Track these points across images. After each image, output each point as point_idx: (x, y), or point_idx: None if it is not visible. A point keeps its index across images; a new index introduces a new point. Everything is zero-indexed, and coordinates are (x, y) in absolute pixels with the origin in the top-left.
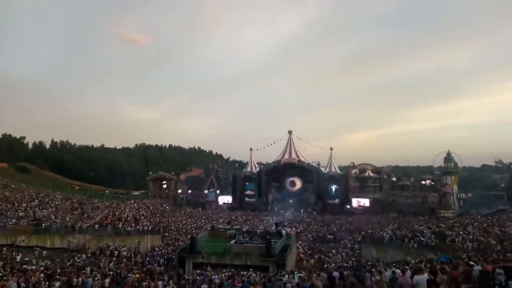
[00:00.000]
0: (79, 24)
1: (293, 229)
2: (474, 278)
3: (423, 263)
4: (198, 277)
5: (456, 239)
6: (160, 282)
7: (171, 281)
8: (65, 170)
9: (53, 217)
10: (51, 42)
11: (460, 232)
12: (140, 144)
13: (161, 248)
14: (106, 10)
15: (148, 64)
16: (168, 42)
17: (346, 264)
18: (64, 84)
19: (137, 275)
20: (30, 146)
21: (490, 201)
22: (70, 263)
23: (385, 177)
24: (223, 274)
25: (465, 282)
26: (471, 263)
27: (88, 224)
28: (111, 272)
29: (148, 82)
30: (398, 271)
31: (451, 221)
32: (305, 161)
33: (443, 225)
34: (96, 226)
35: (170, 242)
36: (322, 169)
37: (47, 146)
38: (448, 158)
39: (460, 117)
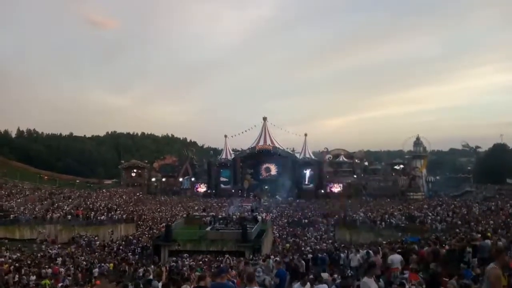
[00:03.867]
0: (44, 5)
1: (269, 214)
2: (442, 256)
3: (395, 244)
4: (173, 264)
5: (425, 220)
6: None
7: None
8: (33, 159)
9: (22, 208)
10: (15, 24)
11: (429, 214)
12: (111, 132)
13: (136, 236)
14: None
15: (118, 49)
16: (138, 26)
17: (320, 247)
18: (29, 70)
19: (111, 264)
20: None
21: (457, 183)
22: (41, 254)
23: (358, 161)
24: (199, 261)
25: (434, 261)
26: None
27: (59, 215)
28: (84, 262)
29: (118, 68)
30: (371, 252)
31: (420, 203)
32: (280, 147)
33: (412, 207)
34: (69, 217)
35: (145, 230)
36: (297, 155)
37: (13, 135)
38: (417, 142)
39: (429, 102)
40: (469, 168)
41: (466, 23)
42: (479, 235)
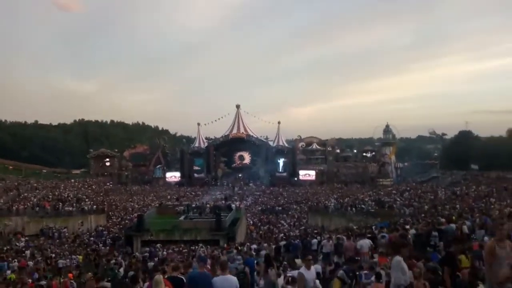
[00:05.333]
0: None
1: (243, 202)
2: (410, 240)
3: (364, 229)
4: (146, 254)
5: (394, 205)
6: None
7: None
8: None
9: None
10: None
11: (397, 199)
12: (79, 120)
13: (107, 227)
14: None
15: (84, 34)
16: (105, 10)
17: (293, 234)
18: None
19: (80, 256)
20: None
21: (424, 169)
22: (8, 247)
23: (330, 149)
24: (172, 250)
25: (402, 245)
26: (407, 227)
27: (25, 206)
28: (53, 255)
29: (86, 53)
30: (343, 237)
31: (389, 189)
32: (253, 135)
33: (382, 193)
34: (37, 208)
35: (116, 221)
36: (270, 143)
37: None
38: (387, 130)
39: (398, 90)
40: (435, 154)
41: (435, 12)
42: (444, 220)
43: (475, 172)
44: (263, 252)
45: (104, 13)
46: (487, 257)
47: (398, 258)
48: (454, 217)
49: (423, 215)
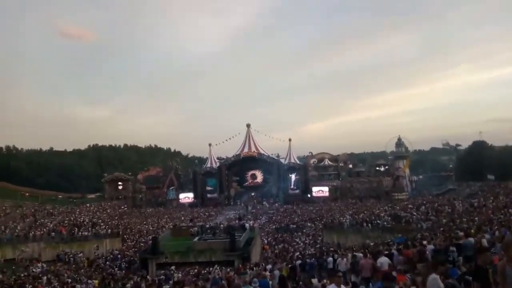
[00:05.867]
0: (20, 19)
1: (257, 221)
2: (428, 256)
3: (381, 245)
4: (162, 277)
5: (411, 220)
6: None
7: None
8: (13, 176)
9: (3, 227)
10: None
11: (414, 213)
12: (93, 145)
13: (122, 251)
14: (47, 4)
15: (97, 61)
16: (115, 37)
17: (309, 252)
18: (5, 84)
19: (96, 281)
20: None
21: (440, 181)
22: (25, 273)
23: (342, 164)
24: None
25: (420, 261)
26: (424, 242)
27: (42, 232)
28: (70, 280)
29: (96, 80)
30: (360, 254)
31: (405, 203)
32: (265, 153)
33: (397, 207)
34: (53, 234)
35: (131, 244)
36: (282, 161)
37: None
38: (399, 143)
39: (410, 102)
40: (450, 166)
41: (442, 22)
42: (462, 233)
43: (491, 183)
44: (276, 272)
45: (112, 38)
46: (499, 278)
47: (434, 276)
48: (472, 231)
49: (441, 229)
